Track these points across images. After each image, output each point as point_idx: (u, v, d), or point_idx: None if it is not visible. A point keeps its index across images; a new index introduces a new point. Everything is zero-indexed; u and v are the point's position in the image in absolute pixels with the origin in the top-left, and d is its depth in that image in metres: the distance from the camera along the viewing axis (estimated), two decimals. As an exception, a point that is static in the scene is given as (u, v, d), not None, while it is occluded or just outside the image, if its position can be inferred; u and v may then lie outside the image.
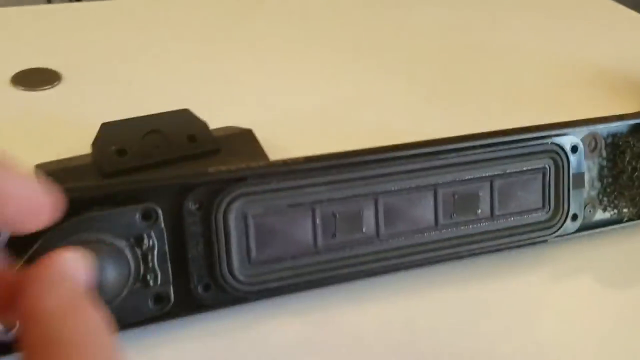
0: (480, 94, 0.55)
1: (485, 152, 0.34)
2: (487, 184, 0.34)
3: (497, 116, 0.51)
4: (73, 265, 0.21)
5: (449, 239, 0.34)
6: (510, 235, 0.35)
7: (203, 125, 0.41)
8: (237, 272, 0.30)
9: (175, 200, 0.29)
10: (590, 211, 0.37)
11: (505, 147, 0.34)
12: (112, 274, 0.27)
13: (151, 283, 0.29)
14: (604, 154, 0.37)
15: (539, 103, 0.53)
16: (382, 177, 0.32)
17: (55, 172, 0.39)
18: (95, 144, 0.39)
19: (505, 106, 0.53)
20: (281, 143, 0.44)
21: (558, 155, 0.35)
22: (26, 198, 0.20)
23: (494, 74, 0.58)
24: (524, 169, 0.35)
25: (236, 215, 0.30)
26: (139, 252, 0.29)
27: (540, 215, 0.36)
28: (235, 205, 0.30)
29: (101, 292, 0.26)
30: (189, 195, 0.29)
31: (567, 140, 0.35)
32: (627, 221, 0.38)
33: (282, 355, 0.31)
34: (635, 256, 0.38)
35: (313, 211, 0.31)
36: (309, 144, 0.45)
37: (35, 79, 0.51)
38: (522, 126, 0.35)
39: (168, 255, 0.29)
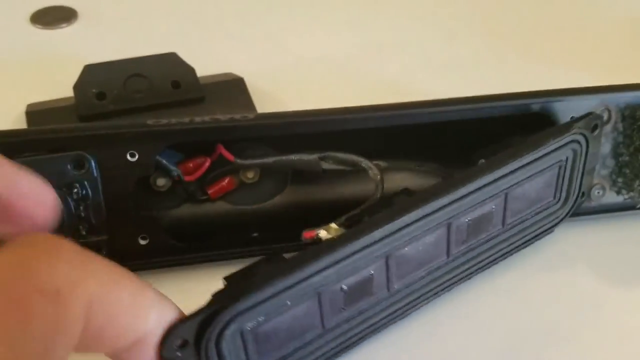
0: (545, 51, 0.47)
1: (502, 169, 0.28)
2: (502, 198, 0.29)
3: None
4: None
5: (460, 264, 0.30)
6: (520, 236, 0.31)
7: (190, 70, 0.39)
8: None
9: (115, 152, 0.28)
10: (599, 192, 0.33)
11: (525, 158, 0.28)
12: None
13: (83, 233, 0.28)
14: (620, 127, 0.32)
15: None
16: (392, 235, 0.26)
17: (40, 112, 0.39)
18: (77, 86, 0.38)
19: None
20: (276, 95, 0.41)
21: (579, 143, 0.30)
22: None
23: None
24: (542, 168, 0.29)
25: (232, 338, 0.24)
26: (70, 201, 0.28)
27: (551, 208, 0.31)
28: (229, 331, 0.23)
29: None
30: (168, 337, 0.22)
31: (589, 122, 0.30)
32: (643, 207, 0.33)
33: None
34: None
35: (319, 295, 0.26)
36: (306, 98, 0.42)
37: (53, 16, 0.50)
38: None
39: (103, 206, 0.28)
